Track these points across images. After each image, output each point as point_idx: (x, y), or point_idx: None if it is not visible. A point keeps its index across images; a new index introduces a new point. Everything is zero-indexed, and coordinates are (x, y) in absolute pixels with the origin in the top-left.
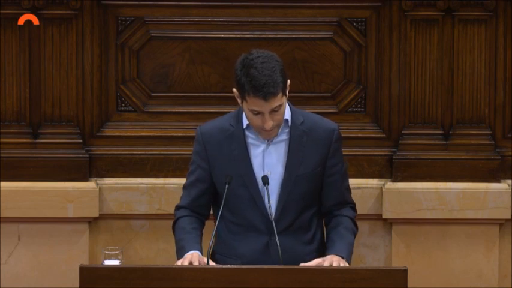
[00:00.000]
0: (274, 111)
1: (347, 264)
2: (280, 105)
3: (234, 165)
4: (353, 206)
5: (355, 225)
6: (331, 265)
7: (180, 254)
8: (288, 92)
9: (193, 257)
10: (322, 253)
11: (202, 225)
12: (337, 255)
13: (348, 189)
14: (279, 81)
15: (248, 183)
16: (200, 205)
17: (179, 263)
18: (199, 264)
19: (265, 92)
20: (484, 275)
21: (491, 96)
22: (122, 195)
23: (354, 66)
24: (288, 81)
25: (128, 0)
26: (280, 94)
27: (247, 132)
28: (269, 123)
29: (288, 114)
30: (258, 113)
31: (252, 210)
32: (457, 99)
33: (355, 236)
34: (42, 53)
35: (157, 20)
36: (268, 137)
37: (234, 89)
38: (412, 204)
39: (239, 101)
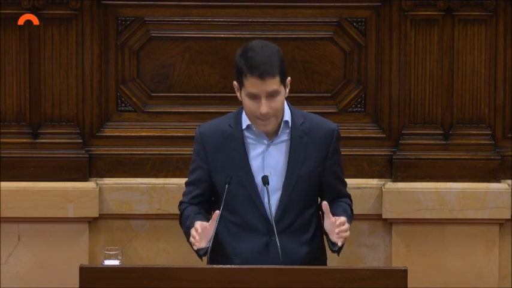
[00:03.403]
0: (271, 96)
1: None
2: (277, 92)
3: (233, 165)
4: (350, 197)
5: (352, 212)
6: (343, 223)
7: (188, 235)
8: (288, 92)
9: (194, 228)
10: (320, 253)
11: (207, 212)
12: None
13: (345, 184)
14: (276, 64)
15: (247, 184)
16: (201, 202)
17: (192, 240)
18: (201, 227)
19: (262, 71)
20: (484, 275)
21: (491, 96)
22: (122, 195)
23: (354, 66)
24: (289, 78)
25: (127, 0)
26: (278, 79)
27: (246, 133)
28: (265, 107)
29: (288, 115)
30: (255, 97)
31: (251, 210)
32: (457, 99)
33: (350, 222)
34: (42, 53)
35: (157, 20)
36: (265, 128)
37: (234, 82)
38: (412, 204)
39: (238, 94)
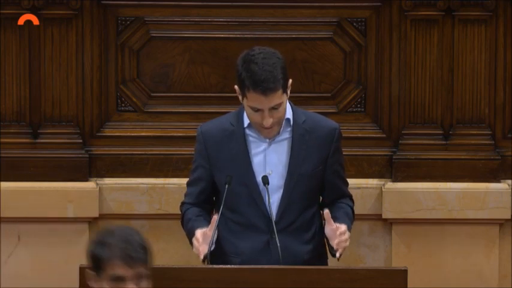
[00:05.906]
0: (274, 108)
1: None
2: (280, 103)
3: (234, 164)
4: (351, 197)
5: (353, 214)
6: (343, 233)
7: (190, 238)
8: (289, 92)
9: (195, 238)
10: (321, 252)
11: (208, 213)
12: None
13: (346, 183)
14: (279, 77)
15: (248, 182)
16: (203, 201)
17: (194, 251)
18: (202, 235)
19: (265, 87)
20: (484, 275)
21: (491, 96)
22: (122, 195)
23: (354, 66)
24: (290, 80)
25: (128, 0)
26: (280, 91)
27: (247, 131)
28: (268, 121)
29: (289, 113)
30: (258, 110)
31: (253, 209)
32: (457, 99)
33: (350, 228)
34: (42, 53)
35: (157, 20)
36: (268, 135)
37: (236, 86)
38: (412, 204)
39: (240, 98)
